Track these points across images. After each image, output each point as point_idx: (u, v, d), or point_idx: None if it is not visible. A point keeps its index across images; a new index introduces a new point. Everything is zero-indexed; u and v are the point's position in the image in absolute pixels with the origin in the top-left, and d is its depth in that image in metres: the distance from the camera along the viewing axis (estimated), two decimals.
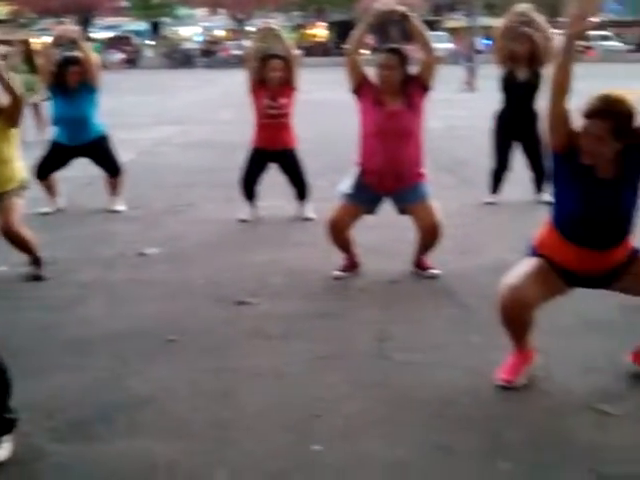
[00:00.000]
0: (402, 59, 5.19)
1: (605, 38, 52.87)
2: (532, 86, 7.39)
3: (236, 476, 2.94)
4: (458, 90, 22.69)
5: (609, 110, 3.32)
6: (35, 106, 12.46)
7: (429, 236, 5.28)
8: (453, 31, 58.16)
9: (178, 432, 3.28)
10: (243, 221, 7.09)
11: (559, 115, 3.46)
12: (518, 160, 7.83)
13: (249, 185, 7.20)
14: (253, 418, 3.39)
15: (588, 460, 3.01)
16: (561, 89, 3.44)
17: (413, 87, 5.19)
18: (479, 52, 28.35)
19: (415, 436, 3.24)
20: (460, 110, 17.16)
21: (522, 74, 7.44)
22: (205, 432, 3.27)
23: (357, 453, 3.10)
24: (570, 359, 3.94)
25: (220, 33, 66.76)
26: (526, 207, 7.41)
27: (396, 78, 5.15)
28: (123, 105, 18.38)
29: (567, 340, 4.18)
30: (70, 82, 7.25)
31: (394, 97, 5.19)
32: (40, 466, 3.04)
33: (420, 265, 5.42)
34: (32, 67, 12.07)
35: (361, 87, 5.26)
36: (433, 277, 5.33)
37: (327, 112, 16.84)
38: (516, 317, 3.56)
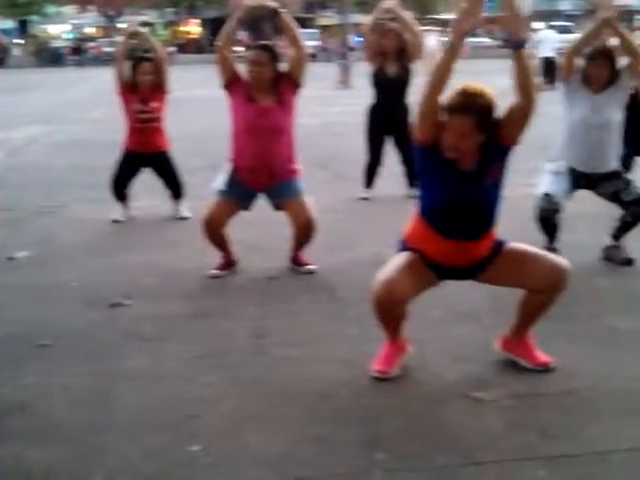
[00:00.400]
0: (272, 56, 5.20)
1: (474, 34, 54.41)
2: (402, 81, 7.55)
3: (113, 479, 2.89)
4: (333, 87, 22.89)
5: (470, 105, 3.41)
6: None
7: (303, 231, 5.32)
8: (325, 28, 58.77)
9: (53, 437, 3.20)
10: (116, 222, 6.96)
11: (431, 109, 3.51)
12: (391, 155, 7.98)
13: (120, 187, 7.07)
14: (129, 421, 3.34)
15: (462, 446, 3.10)
16: (439, 84, 3.49)
17: (284, 84, 5.21)
18: (352, 49, 28.65)
19: (293, 430, 3.26)
20: (334, 107, 17.34)
21: (391, 69, 7.59)
22: (81, 436, 3.20)
23: (236, 450, 3.10)
24: (442, 349, 4.05)
25: (90, 30, 65.26)
26: (399, 202, 7.54)
27: (266, 75, 5.16)
28: None
29: (439, 330, 4.29)
30: None
31: (265, 94, 5.19)
32: None
33: (297, 261, 5.46)
34: None
35: (232, 83, 5.24)
36: (310, 273, 5.37)
37: (201, 109, 16.70)
38: (390, 310, 3.62)
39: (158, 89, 6.87)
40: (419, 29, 7.59)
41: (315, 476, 2.93)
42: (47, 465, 2.99)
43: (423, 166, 3.69)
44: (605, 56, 5.28)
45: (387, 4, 7.62)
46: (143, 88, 6.82)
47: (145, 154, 6.97)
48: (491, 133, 3.50)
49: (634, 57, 5.20)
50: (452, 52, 3.47)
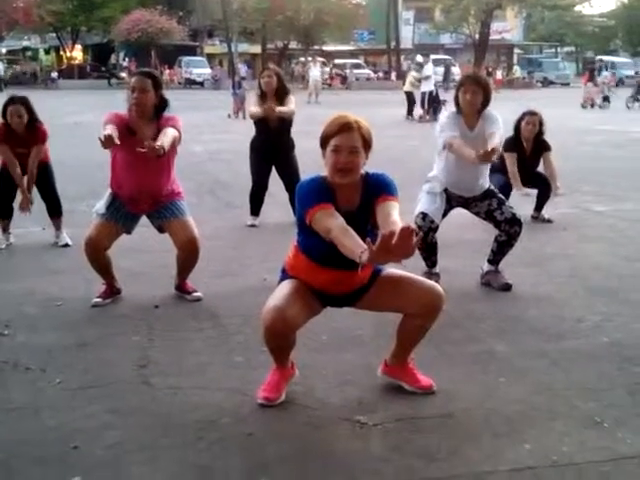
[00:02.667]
0: (155, 82, 5.16)
1: (357, 66, 55.53)
2: (282, 119, 7.62)
3: None
4: (221, 115, 22.79)
5: (352, 123, 3.48)
6: None
7: (187, 251, 5.27)
8: (212, 57, 58.91)
9: None
10: None
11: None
12: (278, 183, 8.04)
13: (2, 205, 6.87)
14: (8, 453, 3.23)
15: (347, 470, 3.13)
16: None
17: (165, 117, 5.18)
18: (243, 79, 28.79)
19: (175, 459, 3.22)
20: (223, 135, 17.33)
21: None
22: None
23: None
24: (327, 374, 4.08)
25: None
26: (286, 228, 7.57)
27: (149, 101, 5.11)
28: None
29: (324, 355, 4.33)
30: None
31: (145, 125, 5.12)
32: None
33: (182, 288, 5.42)
34: None
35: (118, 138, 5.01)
36: (195, 300, 5.33)
37: (84, 135, 16.39)
38: (281, 337, 3.61)
39: (34, 130, 6.73)
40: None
41: None
42: None
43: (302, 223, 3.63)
44: (475, 82, 5.46)
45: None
46: (18, 132, 6.66)
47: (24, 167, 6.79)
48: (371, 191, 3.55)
49: None
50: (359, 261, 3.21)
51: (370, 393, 3.87)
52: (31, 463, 3.16)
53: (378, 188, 3.56)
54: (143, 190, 5.09)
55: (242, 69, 47.67)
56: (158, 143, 4.76)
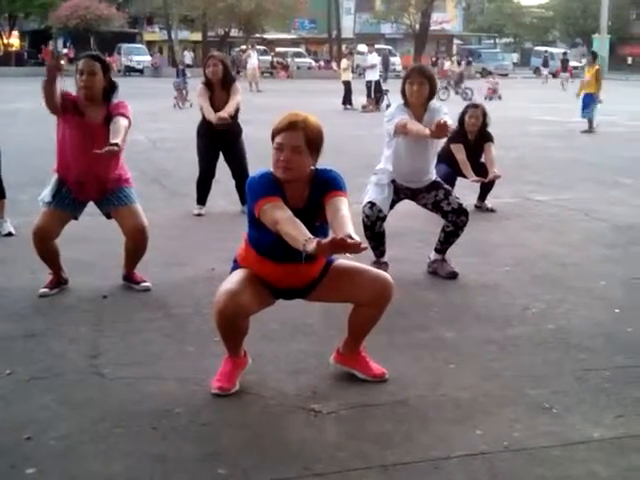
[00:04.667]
0: (104, 65, 5.11)
1: (298, 55, 55.46)
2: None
3: None
4: (162, 104, 22.54)
5: (297, 122, 3.50)
6: None
7: (135, 239, 5.22)
8: (152, 44, 58.30)
9: None
10: None
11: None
12: (225, 171, 8.02)
13: None
14: None
15: (302, 458, 3.15)
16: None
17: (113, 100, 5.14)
18: (189, 66, 28.50)
19: (130, 450, 3.20)
20: (165, 123, 17.19)
21: (219, 97, 7.62)
22: None
23: (73, 473, 3.02)
24: (281, 362, 4.10)
25: None
26: (233, 218, 7.58)
27: (98, 84, 5.06)
28: None
29: (277, 344, 4.35)
30: None
31: (94, 107, 5.08)
32: None
33: (131, 278, 5.37)
34: None
35: (62, 109, 5.03)
36: (144, 290, 5.29)
37: (26, 122, 16.15)
38: (233, 322, 3.61)
39: None
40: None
41: None
42: None
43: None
44: (420, 73, 5.52)
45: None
46: None
47: None
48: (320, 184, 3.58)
49: None
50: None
51: (323, 382, 3.90)
52: None
53: (326, 184, 3.59)
54: (91, 172, 5.01)
55: (187, 56, 47.04)
56: (113, 141, 4.73)
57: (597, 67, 17.32)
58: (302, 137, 3.49)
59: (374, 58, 23.63)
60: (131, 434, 3.33)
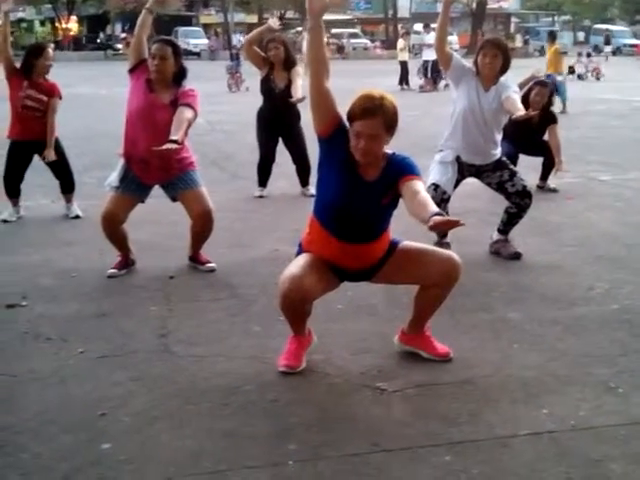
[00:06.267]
0: (175, 50, 5.20)
1: (354, 36, 55.17)
2: (290, 90, 7.63)
3: (27, 478, 2.86)
4: (219, 86, 22.73)
5: (376, 107, 3.51)
6: None
7: (201, 222, 5.31)
8: (208, 27, 58.51)
9: None
10: (6, 222, 6.80)
11: (320, 93, 3.61)
12: (285, 154, 8.07)
13: (12, 180, 6.91)
14: (37, 421, 3.29)
15: (370, 435, 3.19)
16: (318, 65, 3.60)
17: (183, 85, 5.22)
18: (239, 49, 28.55)
19: (202, 425, 3.28)
20: (223, 106, 17.32)
21: (279, 80, 7.71)
22: None
23: (147, 447, 3.11)
24: (345, 342, 4.15)
25: None
26: (294, 200, 7.66)
27: (169, 69, 5.15)
28: None
29: (341, 324, 4.39)
30: None
31: (164, 88, 5.17)
32: None
33: (196, 259, 5.47)
34: None
35: (138, 66, 5.20)
36: (210, 270, 5.38)
37: (87, 107, 16.44)
38: (297, 306, 3.67)
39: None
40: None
41: (229, 469, 2.96)
42: None
43: (323, 162, 3.74)
44: (495, 46, 5.49)
45: (272, 24, 7.80)
46: (39, 73, 6.76)
47: (33, 141, 6.83)
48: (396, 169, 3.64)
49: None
50: (312, 32, 3.61)
51: (388, 361, 3.94)
52: (62, 431, 3.21)
53: (402, 168, 3.63)
54: (155, 149, 5.09)
55: (235, 39, 46.90)
56: (173, 136, 4.81)
57: (555, 47, 16.97)
58: (381, 123, 3.51)
59: (431, 37, 23.43)
60: (202, 410, 3.41)
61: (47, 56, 6.80)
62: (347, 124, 3.60)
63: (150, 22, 5.27)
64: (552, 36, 17.85)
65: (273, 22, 7.97)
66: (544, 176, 8.27)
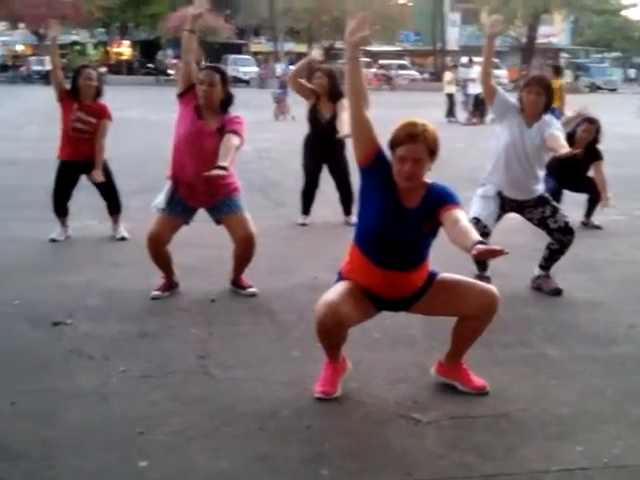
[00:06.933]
0: (223, 77, 5.31)
1: (403, 67, 55.35)
2: (335, 119, 7.72)
3: None
4: (267, 114, 22.91)
5: (419, 132, 3.58)
6: None
7: (244, 246, 5.39)
8: (258, 55, 59.14)
9: (1, 452, 3.21)
10: (54, 241, 6.94)
11: (360, 123, 3.69)
12: (328, 182, 8.15)
13: (60, 200, 7.07)
14: (77, 437, 3.37)
15: (404, 465, 3.22)
16: (357, 96, 3.69)
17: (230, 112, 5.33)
18: (277, 78, 28.72)
19: (237, 448, 3.33)
20: (269, 133, 17.48)
21: (325, 111, 7.81)
22: (30, 451, 3.23)
23: (182, 467, 3.16)
24: (382, 371, 4.18)
25: (20, 48, 64.43)
26: (336, 228, 7.71)
27: (216, 95, 5.26)
28: None
29: (377, 353, 4.42)
30: None
31: (211, 115, 5.28)
32: None
33: (238, 283, 5.54)
34: None
35: (187, 92, 5.32)
36: (251, 295, 5.46)
37: (136, 131, 16.70)
38: (332, 332, 3.73)
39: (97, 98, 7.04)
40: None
41: None
42: None
43: (364, 190, 3.80)
44: (539, 83, 5.53)
45: (315, 55, 7.90)
46: (85, 95, 6.91)
47: (81, 162, 6.99)
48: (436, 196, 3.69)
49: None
50: (351, 63, 3.70)
51: (424, 391, 3.96)
52: (100, 448, 3.29)
53: (443, 197, 3.69)
54: (201, 176, 5.05)
55: (278, 68, 47.05)
56: (221, 163, 4.88)
57: (560, 82, 16.80)
58: (424, 148, 3.59)
59: (474, 71, 23.45)
60: (238, 433, 3.46)
61: (87, 76, 6.98)
62: (387, 154, 3.67)
63: (195, 44, 5.39)
64: (557, 70, 17.77)
65: (316, 53, 8.08)
66: (589, 212, 8.24)
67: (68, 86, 7.06)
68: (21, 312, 5.00)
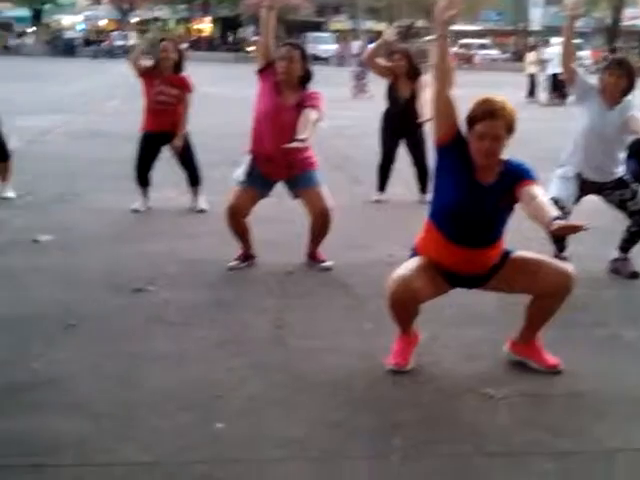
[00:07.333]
0: (303, 54, 5.38)
1: (484, 47, 54.56)
2: (415, 99, 7.72)
3: (145, 450, 3.05)
4: (345, 91, 22.90)
5: (497, 110, 3.59)
6: None
7: (320, 220, 5.47)
8: (338, 33, 58.94)
9: (85, 411, 3.35)
10: (136, 211, 7.13)
11: (444, 101, 3.70)
12: (404, 160, 8.15)
13: (142, 170, 7.25)
14: (156, 398, 3.49)
15: (474, 438, 3.25)
16: (443, 75, 3.70)
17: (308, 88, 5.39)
18: (356, 55, 28.54)
19: (310, 415, 3.41)
20: (346, 111, 17.48)
21: (404, 90, 7.81)
22: (110, 411, 3.36)
23: (257, 430, 3.25)
24: (455, 346, 4.20)
25: (103, 23, 65.48)
26: (411, 206, 7.71)
27: (295, 72, 5.33)
28: (4, 92, 17.86)
29: (452, 329, 4.44)
30: None
31: (290, 91, 5.35)
32: None
33: (313, 257, 5.62)
34: None
35: (266, 68, 5.39)
36: (326, 269, 5.53)
37: (216, 106, 16.92)
38: (404, 306, 3.77)
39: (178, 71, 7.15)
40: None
41: (334, 458, 3.07)
42: (79, 436, 3.14)
43: (440, 169, 3.83)
44: (620, 66, 5.45)
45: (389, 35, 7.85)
46: (164, 67, 7.05)
47: (164, 133, 7.14)
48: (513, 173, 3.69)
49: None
50: (438, 42, 3.70)
51: (496, 368, 3.97)
52: (179, 408, 3.40)
53: (520, 173, 3.69)
54: (280, 150, 5.15)
55: (354, 46, 46.59)
56: (300, 136, 4.99)
57: None
58: (502, 125, 3.59)
59: (549, 52, 23.01)
60: (312, 401, 3.54)
61: (164, 49, 7.11)
62: (463, 133, 3.67)
63: (274, 20, 5.43)
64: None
65: (390, 33, 8.04)
66: None
67: (147, 62, 7.18)
68: (104, 279, 5.17)
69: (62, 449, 3.04)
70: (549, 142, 11.17)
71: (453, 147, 3.71)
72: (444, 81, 3.70)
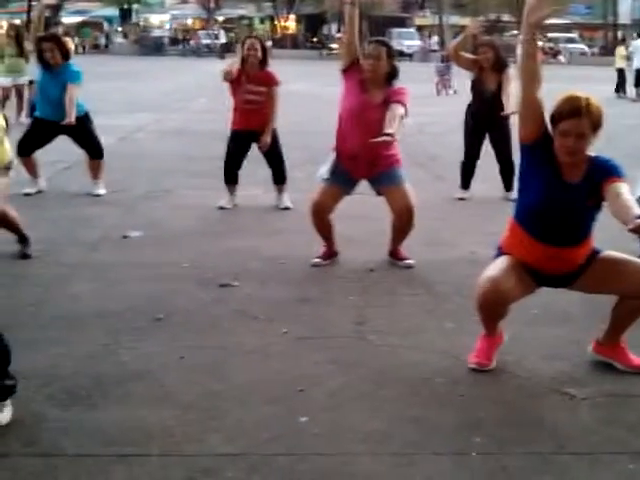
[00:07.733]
0: (389, 52, 5.42)
1: (571, 41, 53.53)
2: (500, 92, 7.67)
3: (230, 441, 3.15)
4: (428, 88, 22.80)
5: (583, 107, 3.55)
6: (18, 88, 12.75)
7: (402, 218, 5.49)
8: (422, 28, 58.64)
9: (171, 402, 3.47)
10: (222, 209, 7.28)
11: (531, 103, 3.67)
12: (489, 157, 8.10)
13: (231, 167, 7.38)
14: (241, 391, 3.59)
15: (556, 437, 3.25)
16: (530, 77, 3.67)
17: (395, 84, 5.43)
18: (433, 51, 28.39)
19: (392, 410, 3.46)
20: (430, 107, 17.39)
21: (490, 82, 7.77)
22: (197, 402, 3.47)
23: (340, 424, 3.32)
24: (537, 346, 4.19)
25: (190, 21, 66.55)
26: (495, 204, 7.66)
27: (382, 70, 5.37)
28: (96, 90, 18.34)
29: (535, 329, 4.42)
30: (48, 59, 7.40)
31: (376, 88, 5.40)
32: (40, 429, 3.21)
33: (396, 255, 5.65)
34: (19, 49, 12.27)
35: (351, 67, 5.45)
36: (408, 267, 5.56)
37: (300, 104, 17.05)
38: (494, 307, 3.77)
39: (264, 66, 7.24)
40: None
41: (415, 453, 3.11)
42: (166, 426, 3.25)
43: (525, 167, 3.81)
44: None
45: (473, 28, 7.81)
46: (251, 65, 7.15)
47: (253, 131, 7.24)
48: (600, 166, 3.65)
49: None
50: (527, 44, 3.65)
51: (579, 368, 3.94)
52: (264, 402, 3.50)
53: (606, 170, 3.64)
54: (364, 147, 5.21)
55: (432, 42, 46.13)
56: (387, 130, 5.05)
57: None
58: (587, 123, 3.55)
59: (636, 45, 22.46)
60: (393, 396, 3.59)
61: (250, 46, 7.17)
62: (549, 131, 3.65)
63: (356, 17, 5.46)
64: None
65: (473, 26, 8.01)
66: None
67: (235, 67, 7.26)
68: (190, 274, 5.32)
69: (148, 440, 3.15)
70: (638, 140, 11.00)
71: (539, 145, 3.69)
72: (531, 83, 3.67)
